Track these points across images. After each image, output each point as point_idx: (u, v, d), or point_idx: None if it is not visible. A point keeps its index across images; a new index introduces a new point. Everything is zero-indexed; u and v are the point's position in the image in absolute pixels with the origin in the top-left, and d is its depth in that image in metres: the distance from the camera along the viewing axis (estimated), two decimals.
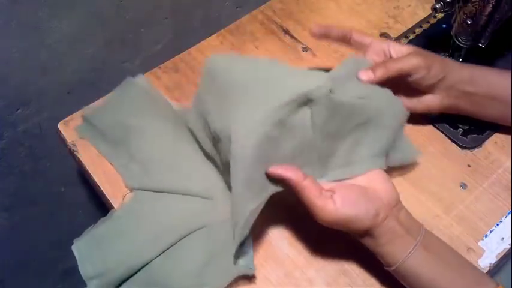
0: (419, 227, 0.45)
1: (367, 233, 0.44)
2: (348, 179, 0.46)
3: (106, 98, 0.61)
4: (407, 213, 0.46)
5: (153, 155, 0.55)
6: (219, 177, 0.53)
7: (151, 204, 0.52)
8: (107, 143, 0.57)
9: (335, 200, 0.43)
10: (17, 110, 0.63)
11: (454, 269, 0.43)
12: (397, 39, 0.67)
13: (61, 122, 0.60)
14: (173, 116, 0.58)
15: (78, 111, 0.61)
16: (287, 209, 0.51)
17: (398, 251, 0.43)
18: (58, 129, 0.60)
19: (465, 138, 0.57)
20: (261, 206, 0.45)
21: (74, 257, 0.49)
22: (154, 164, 0.54)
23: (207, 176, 0.53)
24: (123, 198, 0.53)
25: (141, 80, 0.61)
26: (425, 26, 0.69)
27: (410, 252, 0.43)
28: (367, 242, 0.45)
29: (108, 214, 0.52)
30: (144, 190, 0.53)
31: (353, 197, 0.43)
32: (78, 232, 0.50)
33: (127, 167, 0.55)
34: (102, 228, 0.51)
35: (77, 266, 0.48)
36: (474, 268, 0.44)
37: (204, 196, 0.52)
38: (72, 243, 0.50)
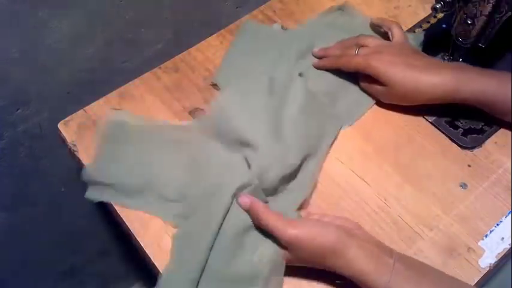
0: (390, 249, 0.45)
1: (337, 251, 0.43)
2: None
3: (98, 149, 0.57)
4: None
5: (177, 180, 0.53)
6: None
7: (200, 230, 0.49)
8: (126, 193, 0.54)
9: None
10: (17, 110, 0.63)
11: (435, 280, 0.43)
12: None
13: (61, 122, 0.60)
14: (171, 134, 0.57)
15: (78, 111, 0.61)
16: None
17: (378, 274, 0.42)
18: (58, 129, 0.60)
19: (465, 138, 0.57)
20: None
21: (74, 257, 0.48)
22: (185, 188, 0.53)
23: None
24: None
25: (120, 114, 0.59)
26: (425, 26, 0.69)
27: (391, 272, 0.42)
28: (341, 263, 0.43)
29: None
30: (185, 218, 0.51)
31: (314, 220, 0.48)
32: (78, 232, 0.50)
33: (160, 204, 0.53)
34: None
35: (77, 266, 0.48)
36: (456, 280, 0.45)
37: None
38: (72, 244, 0.49)
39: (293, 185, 0.53)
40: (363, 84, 0.61)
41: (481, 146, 0.57)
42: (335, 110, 0.60)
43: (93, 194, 0.54)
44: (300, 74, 0.60)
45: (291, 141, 0.54)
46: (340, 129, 0.59)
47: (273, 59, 0.64)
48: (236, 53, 0.66)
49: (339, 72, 0.62)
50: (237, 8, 0.78)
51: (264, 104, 0.56)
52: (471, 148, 0.57)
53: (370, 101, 0.61)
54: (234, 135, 0.54)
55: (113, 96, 0.62)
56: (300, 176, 0.54)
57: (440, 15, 0.70)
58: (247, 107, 0.56)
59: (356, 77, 0.62)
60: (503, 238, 0.50)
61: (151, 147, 0.56)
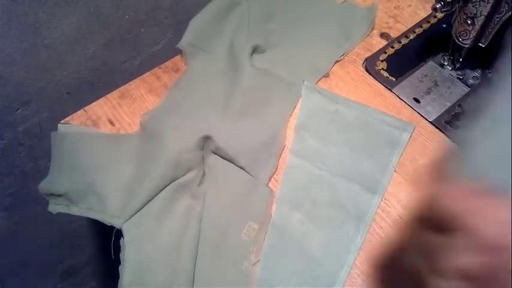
0: None
1: None
2: None
3: (51, 163, 0.56)
4: None
5: (121, 179, 0.53)
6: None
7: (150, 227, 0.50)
8: (72, 200, 0.53)
9: None
10: (17, 110, 0.63)
11: None
12: (397, 39, 0.67)
13: (61, 122, 0.60)
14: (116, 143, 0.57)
15: (78, 111, 0.61)
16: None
17: None
18: (58, 129, 0.60)
19: None
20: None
21: (74, 257, 0.48)
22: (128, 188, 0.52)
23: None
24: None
25: (67, 128, 0.58)
26: (425, 26, 0.69)
27: None
28: None
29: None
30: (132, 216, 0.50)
31: None
32: (77, 232, 0.50)
33: (100, 207, 0.52)
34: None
35: (77, 266, 0.47)
36: None
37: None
38: (72, 244, 0.49)
39: (259, 156, 0.55)
40: None
41: None
42: (295, 79, 0.63)
43: (52, 207, 0.54)
44: (255, 48, 0.64)
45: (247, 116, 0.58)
46: (301, 94, 0.62)
47: (235, 23, 0.67)
48: (205, 15, 0.67)
49: (298, 41, 0.67)
50: None
51: (220, 83, 0.61)
52: None
53: (327, 66, 0.64)
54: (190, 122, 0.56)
55: (113, 96, 0.62)
56: (263, 148, 0.56)
57: (440, 15, 0.70)
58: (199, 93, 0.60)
59: (313, 41, 0.66)
60: None
61: (97, 153, 0.55)
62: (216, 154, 0.55)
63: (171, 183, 0.51)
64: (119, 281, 0.46)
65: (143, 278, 0.47)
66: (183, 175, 0.52)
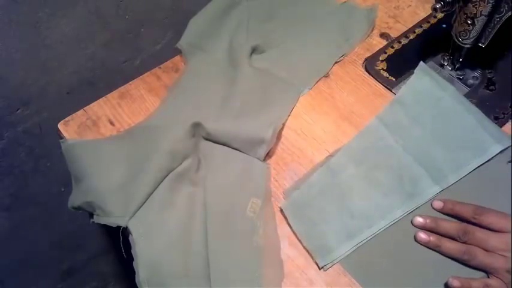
0: None
1: None
2: None
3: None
4: None
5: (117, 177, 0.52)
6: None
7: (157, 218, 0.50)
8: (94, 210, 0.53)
9: None
10: (17, 110, 0.63)
11: None
12: (397, 39, 0.67)
13: (61, 122, 0.60)
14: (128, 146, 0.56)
15: (78, 111, 0.61)
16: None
17: None
18: (58, 129, 0.60)
19: None
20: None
21: (74, 257, 0.48)
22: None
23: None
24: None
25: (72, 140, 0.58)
26: (425, 26, 0.69)
27: None
28: None
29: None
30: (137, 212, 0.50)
31: None
32: (78, 232, 0.50)
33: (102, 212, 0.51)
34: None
35: (77, 266, 0.47)
36: None
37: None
38: (72, 244, 0.49)
39: (249, 144, 0.55)
40: None
41: None
42: (294, 79, 0.63)
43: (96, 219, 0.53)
44: (255, 48, 0.64)
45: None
46: (300, 95, 0.62)
47: (234, 23, 0.67)
48: (204, 15, 0.68)
49: (297, 42, 0.67)
50: None
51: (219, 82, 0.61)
52: None
53: (327, 67, 0.65)
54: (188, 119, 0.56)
55: (112, 96, 0.62)
56: (253, 139, 0.56)
57: (440, 15, 0.70)
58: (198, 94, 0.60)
59: (313, 41, 0.67)
60: None
61: (94, 158, 0.55)
62: (207, 139, 0.56)
63: (168, 174, 0.52)
64: (136, 276, 0.47)
65: (159, 269, 0.47)
66: (180, 164, 0.53)
